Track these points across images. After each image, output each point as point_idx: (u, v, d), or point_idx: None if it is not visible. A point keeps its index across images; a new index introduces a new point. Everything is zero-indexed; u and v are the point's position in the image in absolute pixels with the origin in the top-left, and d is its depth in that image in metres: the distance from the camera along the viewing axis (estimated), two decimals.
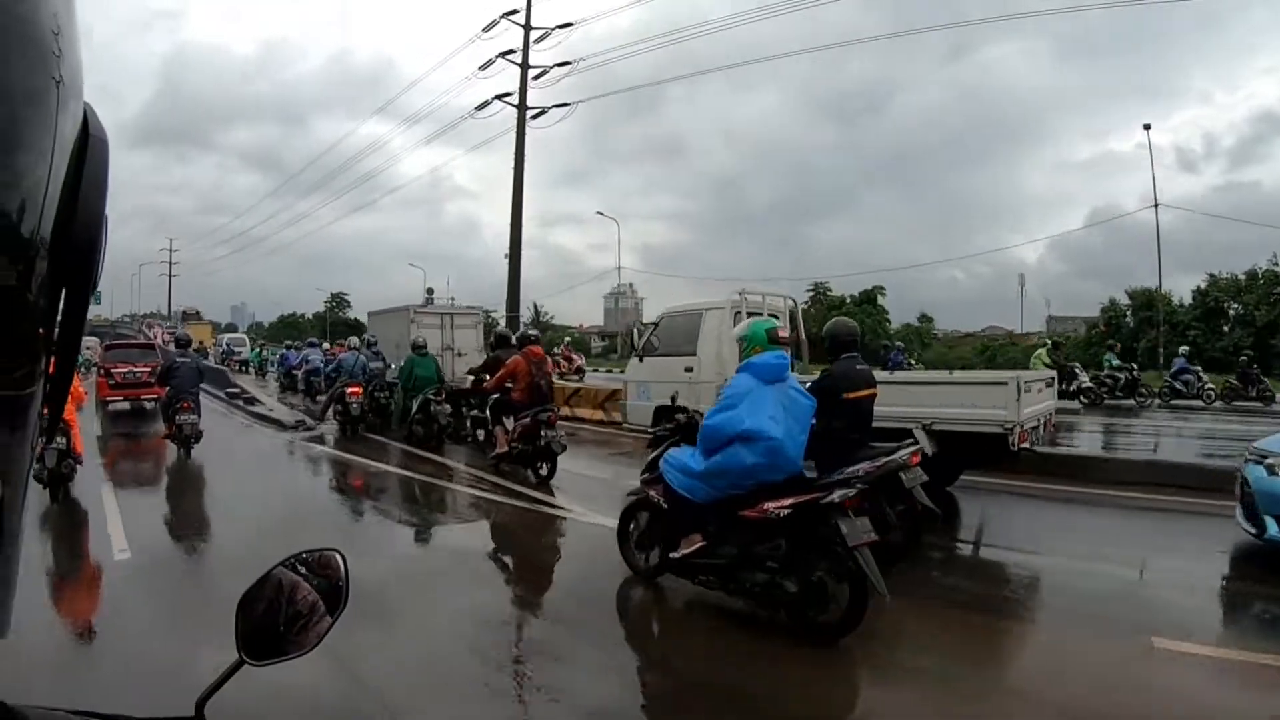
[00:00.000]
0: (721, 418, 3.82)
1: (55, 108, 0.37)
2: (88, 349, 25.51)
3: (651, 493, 4.35)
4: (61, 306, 0.41)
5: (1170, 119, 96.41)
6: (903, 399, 6.11)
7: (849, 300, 40.74)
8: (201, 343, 38.08)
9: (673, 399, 5.36)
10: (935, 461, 5.77)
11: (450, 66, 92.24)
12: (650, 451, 4.71)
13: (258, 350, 31.77)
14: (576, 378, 19.99)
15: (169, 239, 61.33)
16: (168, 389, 9.26)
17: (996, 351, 35.51)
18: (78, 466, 6.94)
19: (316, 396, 17.18)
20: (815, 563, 3.62)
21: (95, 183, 0.40)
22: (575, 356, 22.86)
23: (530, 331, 9.68)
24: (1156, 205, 25.75)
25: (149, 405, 13.96)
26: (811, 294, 44.32)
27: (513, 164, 21.82)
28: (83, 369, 20.48)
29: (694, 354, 8.60)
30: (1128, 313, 33.65)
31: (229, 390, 18.23)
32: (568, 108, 22.04)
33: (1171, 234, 48.62)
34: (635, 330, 9.90)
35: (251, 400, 16.75)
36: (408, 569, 4.96)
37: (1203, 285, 31.67)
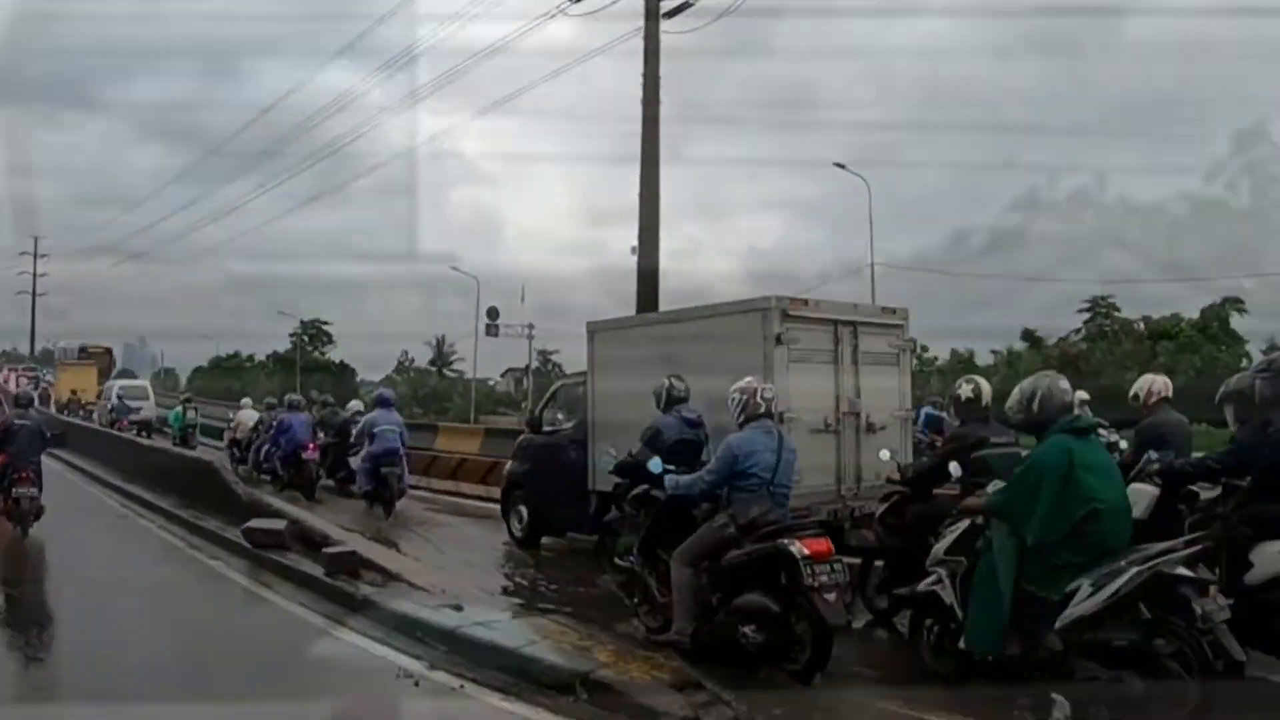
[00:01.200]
0: None
1: None
2: None
3: None
4: None
5: None
6: None
7: (1186, 324, 26.75)
8: (75, 393, 26.27)
9: None
10: None
11: None
12: None
13: (180, 409, 18.39)
14: None
15: (33, 239, 38.34)
16: (3, 456, 7.31)
17: None
18: None
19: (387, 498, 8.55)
20: None
21: None
22: None
23: None
24: None
25: None
26: (1087, 316, 30.01)
27: (642, 92, 10.95)
28: None
29: None
30: None
31: (262, 526, 6.32)
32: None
33: None
34: None
35: (395, 575, 5.25)
36: None
37: None
